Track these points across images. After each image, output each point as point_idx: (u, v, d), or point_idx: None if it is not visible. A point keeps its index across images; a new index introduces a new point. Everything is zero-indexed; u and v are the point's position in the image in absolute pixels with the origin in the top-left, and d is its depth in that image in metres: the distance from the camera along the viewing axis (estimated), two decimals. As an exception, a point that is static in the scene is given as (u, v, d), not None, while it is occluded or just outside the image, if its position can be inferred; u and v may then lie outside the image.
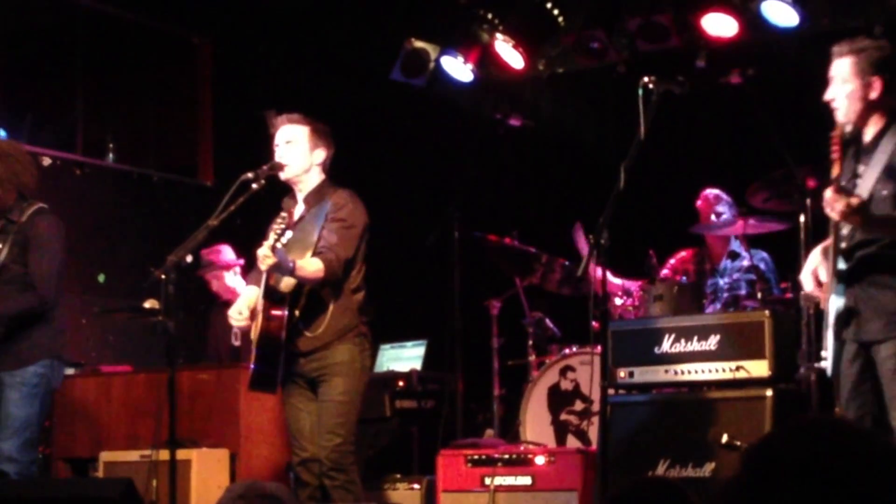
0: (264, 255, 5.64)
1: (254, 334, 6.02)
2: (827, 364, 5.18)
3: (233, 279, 8.47)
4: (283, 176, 6.13)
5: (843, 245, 5.06)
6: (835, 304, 5.07)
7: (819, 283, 5.18)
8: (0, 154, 6.16)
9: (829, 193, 4.91)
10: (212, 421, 7.35)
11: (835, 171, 4.99)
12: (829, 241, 5.11)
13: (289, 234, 5.74)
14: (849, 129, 5.10)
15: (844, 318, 5.07)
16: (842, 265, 5.05)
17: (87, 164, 9.52)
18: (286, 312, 5.94)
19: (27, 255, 6.08)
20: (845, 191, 4.93)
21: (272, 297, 5.95)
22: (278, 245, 5.64)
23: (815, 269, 5.21)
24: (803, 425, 1.80)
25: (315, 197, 6.13)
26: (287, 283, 5.94)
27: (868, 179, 5.05)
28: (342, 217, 6.01)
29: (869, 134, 5.13)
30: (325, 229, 5.97)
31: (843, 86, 5.07)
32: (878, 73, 5.06)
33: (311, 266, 5.84)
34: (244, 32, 10.12)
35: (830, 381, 5.22)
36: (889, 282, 5.02)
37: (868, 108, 5.08)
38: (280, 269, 5.74)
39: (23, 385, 6.06)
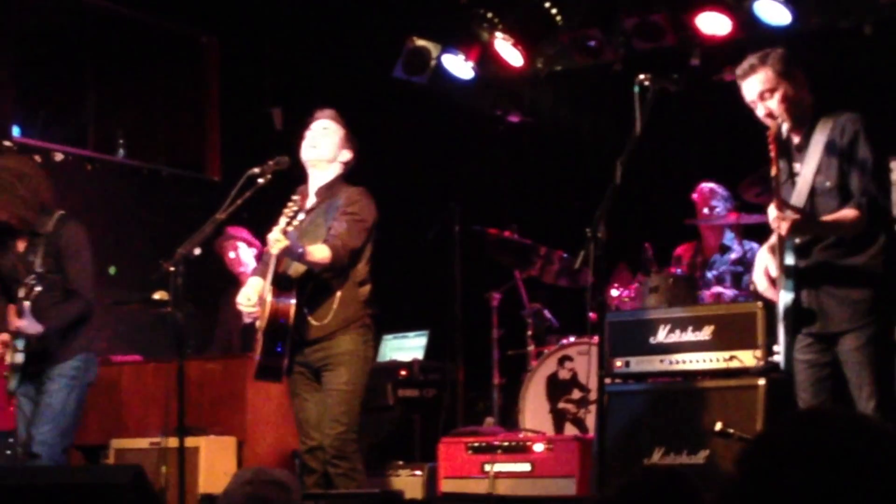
0: (275, 239, 5.61)
1: (261, 323, 6.00)
2: (779, 358, 5.17)
3: (247, 253, 8.42)
4: (307, 156, 6.12)
5: (797, 241, 5.06)
6: (784, 299, 5.06)
7: (772, 281, 5.17)
8: (21, 176, 6.24)
9: (772, 213, 4.94)
10: (219, 409, 7.34)
11: (773, 169, 5.00)
12: (774, 240, 5.10)
13: (301, 216, 5.69)
14: (785, 127, 5.09)
15: (795, 312, 5.06)
16: (789, 260, 5.04)
17: (98, 160, 9.50)
18: (294, 299, 5.92)
19: (62, 263, 6.22)
20: (785, 206, 4.95)
21: (280, 283, 5.93)
22: (289, 229, 5.61)
23: (765, 268, 5.20)
24: (806, 415, 1.79)
25: (327, 192, 6.12)
26: (296, 269, 5.93)
27: (806, 175, 5.05)
28: (354, 211, 6.00)
29: (797, 133, 5.13)
30: (335, 220, 5.96)
31: (773, 96, 5.06)
32: (795, 71, 5.07)
33: (319, 252, 5.82)
34: (250, 32, 10.10)
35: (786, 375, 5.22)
36: (850, 273, 4.99)
37: (802, 106, 5.09)
38: (290, 252, 5.73)
39: (61, 377, 6.25)
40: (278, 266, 5.91)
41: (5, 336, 6.39)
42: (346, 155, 6.19)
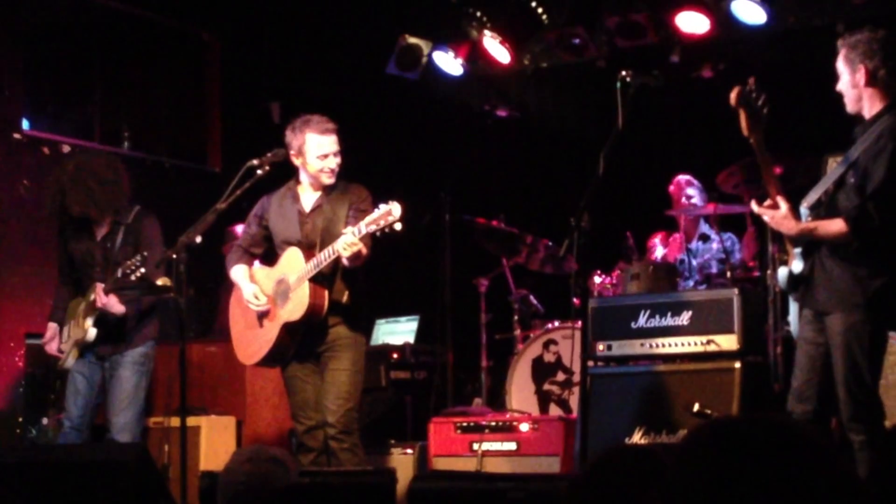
0: (351, 243, 5.61)
1: (292, 315, 5.95)
2: (792, 327, 5.15)
3: None
4: (331, 180, 6.07)
5: (809, 217, 4.99)
6: (796, 268, 5.00)
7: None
8: (119, 170, 6.43)
9: (784, 211, 4.91)
10: (220, 390, 7.33)
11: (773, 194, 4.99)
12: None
13: (391, 218, 5.58)
14: (852, 108, 4.98)
15: (795, 281, 5.02)
16: None
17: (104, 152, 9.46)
18: (327, 291, 5.94)
19: (140, 250, 6.26)
20: (773, 207, 4.93)
21: (318, 279, 5.92)
22: (364, 231, 5.59)
23: None
24: (724, 423, 1.79)
25: (332, 189, 6.11)
26: (329, 265, 5.92)
27: (842, 165, 4.94)
28: (366, 209, 5.99)
29: (864, 119, 5.00)
30: (351, 218, 5.95)
31: (840, 76, 4.97)
32: (862, 62, 4.90)
33: (366, 252, 5.83)
34: (250, 30, 10.07)
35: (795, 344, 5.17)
36: (839, 260, 4.90)
37: (859, 96, 4.95)
38: (358, 257, 5.72)
39: (133, 364, 6.35)
40: (336, 263, 5.89)
41: (52, 332, 6.39)
42: None
